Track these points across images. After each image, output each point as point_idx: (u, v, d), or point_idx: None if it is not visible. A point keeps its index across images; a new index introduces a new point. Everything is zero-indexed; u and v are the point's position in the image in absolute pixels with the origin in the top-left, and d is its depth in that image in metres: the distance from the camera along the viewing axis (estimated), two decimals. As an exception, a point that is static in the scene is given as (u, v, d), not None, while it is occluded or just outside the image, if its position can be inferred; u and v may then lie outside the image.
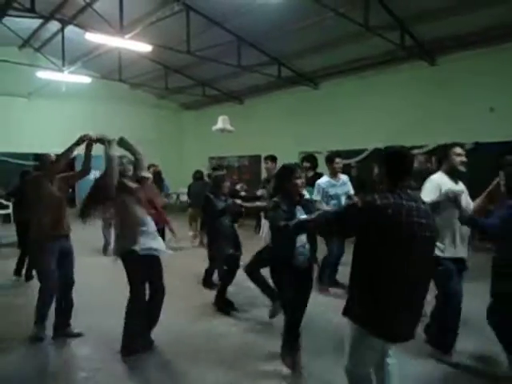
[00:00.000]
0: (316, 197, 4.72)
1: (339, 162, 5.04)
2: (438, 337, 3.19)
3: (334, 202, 4.76)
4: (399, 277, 1.96)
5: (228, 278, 4.50)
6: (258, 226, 6.68)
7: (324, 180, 4.91)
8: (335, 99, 10.48)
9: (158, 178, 7.66)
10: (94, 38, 7.70)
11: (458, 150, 3.23)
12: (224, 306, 4.42)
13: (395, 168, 2.09)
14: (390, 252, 1.95)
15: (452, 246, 3.11)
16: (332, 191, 4.73)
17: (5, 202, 5.58)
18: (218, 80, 12.28)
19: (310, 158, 6.87)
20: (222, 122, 8.92)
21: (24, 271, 5.59)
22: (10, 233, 7.14)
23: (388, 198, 1.97)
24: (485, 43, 7.70)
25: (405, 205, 1.97)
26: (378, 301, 1.99)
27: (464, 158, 3.22)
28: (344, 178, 5.08)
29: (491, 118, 7.75)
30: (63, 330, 3.68)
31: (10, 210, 9.64)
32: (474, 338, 3.54)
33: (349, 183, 5.16)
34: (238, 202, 4.55)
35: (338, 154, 5.45)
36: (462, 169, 3.20)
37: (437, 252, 2.76)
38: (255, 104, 12.86)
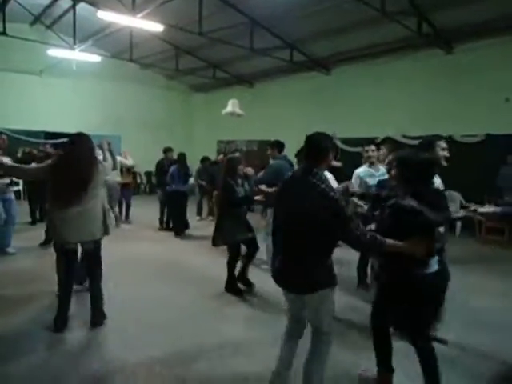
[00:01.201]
0: (354, 185, 4.61)
1: (368, 150, 4.81)
2: None
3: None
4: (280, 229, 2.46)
5: (249, 259, 4.65)
6: (265, 211, 6.70)
7: (361, 169, 4.77)
8: (347, 86, 10.33)
9: (183, 160, 7.61)
10: (105, 16, 7.62)
11: (443, 144, 3.23)
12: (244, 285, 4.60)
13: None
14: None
15: None
16: (371, 181, 4.48)
17: (15, 179, 5.67)
18: (228, 63, 12.15)
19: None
20: (231, 106, 8.85)
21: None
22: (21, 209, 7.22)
23: None
24: (503, 32, 7.51)
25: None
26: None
27: (447, 153, 3.21)
28: (383, 169, 4.84)
29: (506, 109, 7.61)
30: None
31: (20, 187, 9.76)
32: (491, 337, 3.55)
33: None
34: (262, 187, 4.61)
35: (372, 141, 5.30)
36: (444, 163, 3.19)
37: None
38: (266, 88, 12.74)
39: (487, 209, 6.07)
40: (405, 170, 2.46)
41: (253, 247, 4.58)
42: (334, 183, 3.88)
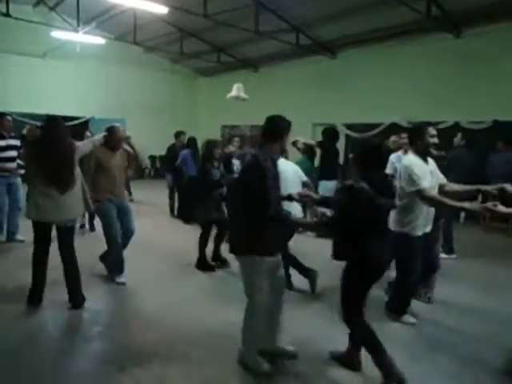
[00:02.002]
0: (388, 171, 4.67)
1: (404, 137, 4.96)
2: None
3: None
4: None
5: (219, 238, 4.91)
6: None
7: (395, 155, 5.15)
8: (353, 70, 10.19)
9: (194, 145, 7.41)
10: (109, -3, 7.54)
11: (433, 131, 3.24)
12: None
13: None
14: None
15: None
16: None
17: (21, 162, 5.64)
18: (233, 46, 12.01)
19: (329, 131, 6.79)
20: (236, 90, 8.77)
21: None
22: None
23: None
24: (515, 16, 7.36)
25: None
26: None
27: (436, 140, 3.24)
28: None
29: (514, 96, 7.50)
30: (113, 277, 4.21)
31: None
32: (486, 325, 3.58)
33: None
34: None
35: (405, 129, 5.61)
36: (433, 151, 3.30)
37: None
38: (270, 72, 12.60)
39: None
40: (359, 154, 2.65)
41: (222, 227, 4.77)
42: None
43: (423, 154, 3.25)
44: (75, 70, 12.50)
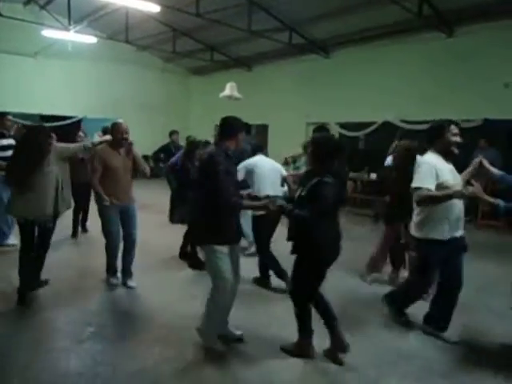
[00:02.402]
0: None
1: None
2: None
3: None
4: None
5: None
6: None
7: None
8: (346, 69, 10.23)
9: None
10: (100, -5, 7.48)
11: (455, 129, 3.04)
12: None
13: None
14: None
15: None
16: None
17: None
18: (226, 45, 11.99)
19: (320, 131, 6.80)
20: (229, 89, 8.77)
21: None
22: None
23: None
24: (505, 15, 7.41)
25: None
26: None
27: (459, 139, 3.03)
28: None
29: (504, 94, 7.57)
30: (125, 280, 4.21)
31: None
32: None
33: None
34: None
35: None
36: (456, 150, 3.03)
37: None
38: (264, 71, 12.59)
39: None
40: (317, 150, 2.78)
41: None
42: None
43: (444, 154, 3.03)
44: (67, 69, 12.39)
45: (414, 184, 2.96)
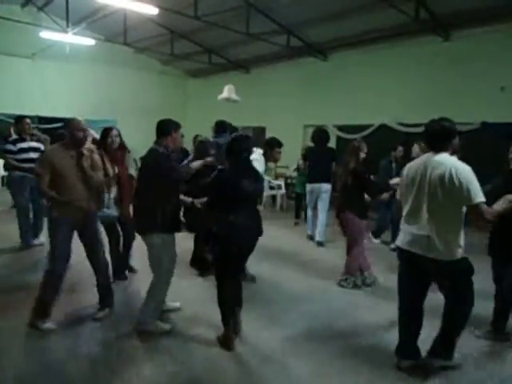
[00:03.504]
0: None
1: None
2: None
3: None
4: None
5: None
6: None
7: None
8: (344, 72, 10.25)
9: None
10: (98, -3, 7.48)
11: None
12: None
13: None
14: None
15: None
16: None
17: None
18: (224, 47, 12.01)
19: (319, 133, 6.77)
20: (227, 92, 8.78)
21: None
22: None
23: None
24: (501, 19, 7.44)
25: None
26: None
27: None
28: None
29: (501, 98, 7.60)
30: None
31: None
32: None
33: None
34: None
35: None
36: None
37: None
38: (262, 74, 12.62)
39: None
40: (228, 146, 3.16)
41: None
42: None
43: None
44: (65, 71, 12.39)
45: (479, 198, 2.44)
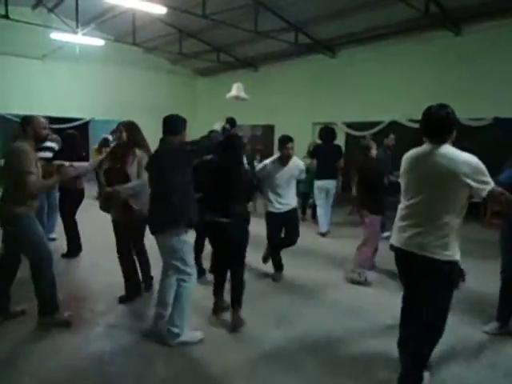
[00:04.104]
0: None
1: None
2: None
3: None
4: None
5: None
6: None
7: None
8: (352, 68, 10.18)
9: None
10: (108, -2, 7.52)
11: None
12: None
13: None
14: None
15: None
16: None
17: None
18: (233, 46, 12.00)
19: (326, 130, 6.85)
20: (236, 90, 8.74)
21: None
22: None
23: None
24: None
25: None
26: None
27: None
28: None
29: (514, 94, 7.48)
30: None
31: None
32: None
33: None
34: None
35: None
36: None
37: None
38: (270, 72, 12.59)
39: None
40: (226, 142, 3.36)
41: None
42: None
43: None
44: (74, 71, 12.50)
45: (490, 185, 2.23)
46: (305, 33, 10.04)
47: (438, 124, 2.42)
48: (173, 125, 3.11)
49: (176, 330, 2.98)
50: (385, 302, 3.94)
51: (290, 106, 11.58)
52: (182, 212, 2.96)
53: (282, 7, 9.17)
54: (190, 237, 3.14)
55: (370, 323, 3.56)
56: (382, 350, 3.06)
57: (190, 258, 3.09)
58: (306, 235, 6.59)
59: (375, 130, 9.57)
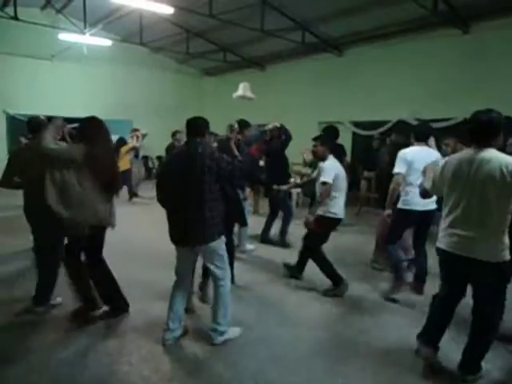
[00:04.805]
0: None
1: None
2: None
3: None
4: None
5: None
6: None
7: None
8: (360, 67, 10.12)
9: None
10: (115, -2, 7.56)
11: None
12: None
13: None
14: None
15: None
16: None
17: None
18: (239, 45, 12.00)
19: (329, 129, 6.83)
20: (242, 89, 8.75)
21: None
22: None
23: None
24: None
25: None
26: None
27: None
28: None
29: (524, 91, 7.39)
30: None
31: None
32: None
33: None
34: None
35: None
36: None
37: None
38: (277, 71, 12.56)
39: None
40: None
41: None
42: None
43: None
44: (82, 71, 12.59)
45: None
46: (312, 32, 10.01)
47: (485, 128, 2.49)
48: (197, 127, 3.06)
49: (221, 329, 3.07)
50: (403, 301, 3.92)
51: (297, 105, 11.55)
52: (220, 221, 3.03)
53: (288, 6, 9.15)
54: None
55: (382, 320, 3.54)
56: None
57: (226, 259, 3.13)
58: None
59: (382, 129, 9.51)
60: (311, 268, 4.30)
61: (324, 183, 3.94)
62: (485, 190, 2.38)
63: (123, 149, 8.98)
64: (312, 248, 4.21)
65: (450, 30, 8.29)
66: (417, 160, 3.71)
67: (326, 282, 4.14)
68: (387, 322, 3.57)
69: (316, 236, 4.11)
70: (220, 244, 3.03)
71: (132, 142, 9.12)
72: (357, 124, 10.25)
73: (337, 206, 4.03)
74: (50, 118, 3.36)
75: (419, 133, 4.00)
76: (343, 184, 4.10)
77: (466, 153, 2.54)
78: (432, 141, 4.18)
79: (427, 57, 8.81)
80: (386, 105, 9.40)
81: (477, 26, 8.07)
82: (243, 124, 5.48)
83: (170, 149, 8.04)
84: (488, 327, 2.58)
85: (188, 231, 2.94)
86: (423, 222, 3.94)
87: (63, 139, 3.51)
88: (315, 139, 4.32)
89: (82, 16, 9.67)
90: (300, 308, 3.83)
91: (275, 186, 5.48)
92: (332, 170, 4.01)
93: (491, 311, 2.55)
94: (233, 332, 3.18)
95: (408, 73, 9.15)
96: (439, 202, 3.02)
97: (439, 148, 4.79)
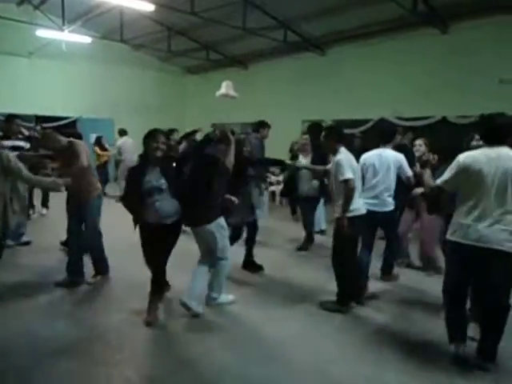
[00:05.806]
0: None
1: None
2: None
3: None
4: None
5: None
6: None
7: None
8: (342, 66, 10.22)
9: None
10: (94, -5, 7.44)
11: None
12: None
13: None
14: None
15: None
16: None
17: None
18: (222, 44, 11.95)
19: (314, 128, 6.80)
20: (225, 88, 8.71)
21: None
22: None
23: None
24: (499, 11, 7.41)
25: None
26: None
27: None
28: None
29: (500, 90, 7.58)
30: None
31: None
32: None
33: None
34: None
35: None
36: None
37: None
38: (259, 70, 12.57)
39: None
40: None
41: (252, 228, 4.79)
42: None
43: None
44: (62, 69, 12.33)
45: None
46: (294, 30, 10.04)
47: (498, 130, 2.72)
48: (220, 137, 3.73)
49: (214, 295, 3.70)
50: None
51: (280, 103, 11.58)
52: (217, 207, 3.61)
53: (270, 4, 9.15)
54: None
55: (383, 313, 3.60)
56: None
57: (227, 241, 3.66)
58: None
59: (364, 127, 9.63)
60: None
61: (346, 180, 3.49)
62: (506, 186, 2.59)
63: (100, 152, 9.72)
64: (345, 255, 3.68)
65: (429, 29, 8.45)
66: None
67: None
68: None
69: (346, 240, 3.61)
70: (213, 227, 3.50)
71: (109, 153, 9.78)
72: (339, 122, 10.32)
73: (356, 201, 3.59)
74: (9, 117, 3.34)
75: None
76: (359, 180, 3.82)
77: (483, 151, 2.73)
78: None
79: (408, 56, 8.96)
80: (367, 103, 9.52)
81: (455, 25, 8.24)
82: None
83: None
84: (503, 315, 2.72)
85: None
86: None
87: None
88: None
89: (60, 12, 9.49)
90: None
91: (290, 162, 5.84)
92: (348, 163, 3.62)
93: (506, 301, 2.72)
94: (225, 298, 3.76)
95: (389, 71, 9.28)
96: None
97: (413, 147, 4.93)
